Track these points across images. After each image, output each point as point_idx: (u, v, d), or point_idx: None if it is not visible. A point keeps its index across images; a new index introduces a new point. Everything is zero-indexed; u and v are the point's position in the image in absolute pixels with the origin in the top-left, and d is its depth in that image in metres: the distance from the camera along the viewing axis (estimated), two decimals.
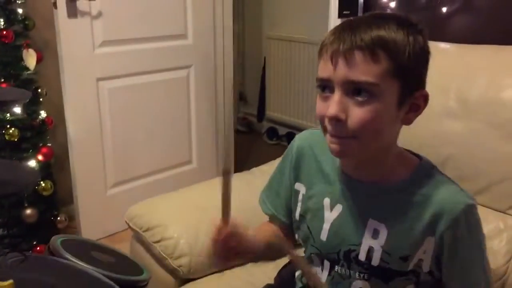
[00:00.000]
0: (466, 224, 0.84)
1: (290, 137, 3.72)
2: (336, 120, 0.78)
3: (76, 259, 0.97)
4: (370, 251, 0.87)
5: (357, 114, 0.78)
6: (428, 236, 0.85)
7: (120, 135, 2.40)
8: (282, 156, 1.07)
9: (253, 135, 3.97)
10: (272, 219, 1.08)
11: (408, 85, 0.80)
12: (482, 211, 1.23)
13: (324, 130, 0.83)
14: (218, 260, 0.89)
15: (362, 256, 0.88)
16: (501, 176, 1.22)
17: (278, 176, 1.06)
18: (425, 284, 0.90)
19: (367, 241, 0.87)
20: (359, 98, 0.77)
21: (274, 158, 1.73)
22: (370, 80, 0.76)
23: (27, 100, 0.88)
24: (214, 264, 0.89)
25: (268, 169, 1.67)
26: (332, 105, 0.78)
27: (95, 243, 1.17)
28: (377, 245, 0.86)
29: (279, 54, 3.68)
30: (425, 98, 0.84)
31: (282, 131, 3.78)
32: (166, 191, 1.58)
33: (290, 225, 1.04)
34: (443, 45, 1.41)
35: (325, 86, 0.81)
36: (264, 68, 3.83)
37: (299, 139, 1.03)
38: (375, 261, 0.87)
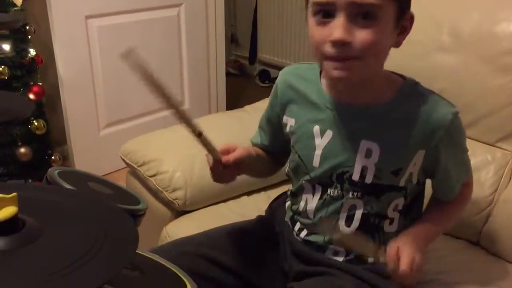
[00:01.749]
0: (455, 130, 0.91)
1: None
2: (342, 43, 0.79)
3: (72, 187, 0.98)
4: (363, 170, 0.91)
5: (362, 36, 0.79)
6: (420, 149, 0.90)
7: (111, 75, 2.37)
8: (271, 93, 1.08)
9: (245, 78, 3.95)
10: (264, 148, 1.12)
11: (402, 5, 0.82)
12: (471, 144, 1.26)
13: (322, 56, 0.83)
14: (219, 182, 0.97)
15: (355, 176, 0.92)
16: (490, 109, 1.24)
17: (268, 112, 1.09)
18: (411, 194, 0.97)
19: (360, 161, 0.91)
20: (364, 21, 0.79)
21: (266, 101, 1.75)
22: (375, 2, 0.78)
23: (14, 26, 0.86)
24: (216, 181, 0.98)
25: (262, 106, 1.67)
26: (338, 29, 0.78)
27: (92, 175, 1.18)
28: (370, 163, 0.90)
29: None
30: (412, 20, 0.87)
31: (274, 73, 3.75)
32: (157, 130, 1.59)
33: (276, 153, 1.10)
34: None
35: (325, 10, 0.80)
36: (255, 9, 3.76)
37: (282, 73, 1.04)
38: (369, 178, 0.91)
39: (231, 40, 4.02)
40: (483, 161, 1.25)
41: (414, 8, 0.88)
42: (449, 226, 1.04)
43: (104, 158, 2.41)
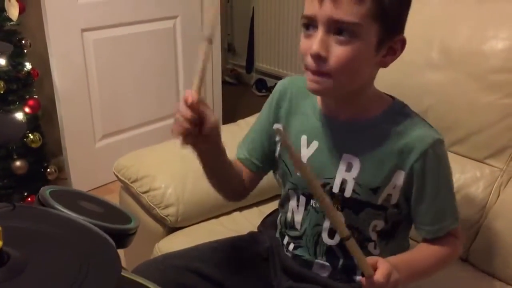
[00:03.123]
0: (434, 156, 0.89)
1: None
2: (318, 57, 0.81)
3: (65, 209, 0.99)
4: (343, 183, 0.92)
5: (337, 52, 0.81)
6: (398, 169, 0.90)
7: (107, 87, 2.39)
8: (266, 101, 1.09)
9: (242, 87, 3.96)
10: (244, 162, 1.07)
11: (388, 28, 0.83)
12: (460, 161, 1.28)
13: (305, 67, 0.85)
14: (178, 129, 0.82)
15: (335, 189, 0.93)
16: (479, 126, 1.25)
17: (258, 122, 1.08)
18: (392, 218, 0.95)
19: (341, 174, 0.92)
20: (341, 37, 0.80)
21: None
22: (354, 20, 0.79)
23: (10, 52, 0.88)
24: (175, 133, 0.83)
25: (254, 120, 1.70)
26: (315, 43, 0.81)
27: (84, 193, 1.19)
28: (350, 177, 0.92)
29: (268, 4, 3.62)
30: (403, 43, 0.87)
31: (271, 82, 3.76)
32: (154, 143, 1.60)
33: (260, 170, 1.06)
34: None
35: (310, 24, 0.83)
36: (252, 18, 3.77)
37: (280, 84, 1.06)
38: (348, 192, 0.92)
39: (228, 49, 4.04)
40: (472, 178, 1.26)
41: None
42: (432, 270, 0.96)
43: (100, 169, 2.42)
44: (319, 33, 0.81)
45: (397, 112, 0.93)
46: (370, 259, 0.81)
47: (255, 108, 1.81)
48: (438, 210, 0.94)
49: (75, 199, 1.16)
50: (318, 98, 0.97)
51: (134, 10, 2.40)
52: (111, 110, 2.44)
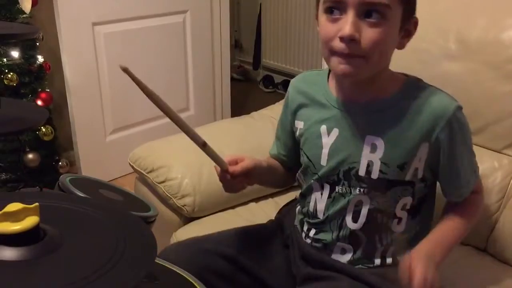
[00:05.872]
0: (458, 123, 0.92)
1: (286, 85, 3.70)
2: (351, 40, 0.82)
3: (86, 196, 0.99)
4: (369, 165, 0.93)
5: (370, 34, 0.83)
6: (423, 142, 0.91)
7: (118, 81, 2.39)
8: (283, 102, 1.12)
9: (249, 83, 3.96)
10: (275, 158, 1.15)
11: (408, 9, 0.86)
12: (478, 151, 1.26)
13: (330, 52, 0.86)
14: (229, 192, 1.01)
15: (362, 172, 0.94)
16: (497, 116, 1.24)
17: (279, 121, 1.13)
18: (419, 193, 0.97)
19: (366, 156, 0.93)
20: (372, 20, 0.82)
21: None
22: (385, 2, 0.81)
23: (35, 36, 0.88)
24: (227, 191, 1.01)
25: (268, 113, 1.70)
26: (347, 25, 0.82)
27: (102, 182, 1.20)
28: (375, 158, 0.92)
29: (275, 0, 3.62)
30: (416, 25, 0.90)
31: (278, 79, 3.77)
32: (165, 137, 1.59)
33: (291, 164, 1.12)
34: None
35: (335, 7, 0.84)
36: (260, 15, 3.77)
37: (292, 81, 1.09)
38: (375, 174, 0.93)
39: (235, 45, 4.04)
40: (490, 168, 1.25)
41: (419, 15, 0.91)
42: (463, 236, 1.00)
43: (111, 163, 2.42)
44: (350, 16, 0.82)
45: (413, 86, 0.94)
46: (405, 264, 0.84)
47: (263, 104, 1.82)
48: (465, 173, 0.97)
49: (95, 187, 1.17)
50: (332, 86, 0.99)
51: (145, 4, 2.40)
52: (121, 104, 2.44)
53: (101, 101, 2.37)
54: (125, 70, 0.73)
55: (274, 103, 1.78)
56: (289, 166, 1.13)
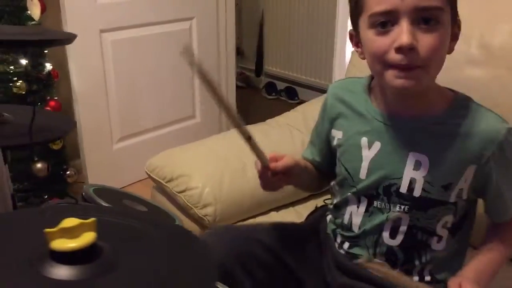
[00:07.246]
0: (509, 146, 0.88)
1: (288, 91, 3.71)
2: (409, 49, 0.78)
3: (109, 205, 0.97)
4: (412, 182, 0.89)
5: (427, 41, 0.79)
6: (471, 164, 0.88)
7: (125, 88, 2.36)
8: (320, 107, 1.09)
9: (252, 90, 3.94)
10: (309, 161, 1.12)
11: (454, 11, 0.83)
12: None
13: (385, 65, 0.82)
14: (267, 190, 0.98)
15: (403, 189, 0.90)
16: None
17: (315, 126, 1.10)
18: (461, 211, 0.94)
19: (408, 173, 0.89)
20: (427, 26, 0.79)
21: (274, 113, 1.75)
22: (438, 5, 0.78)
23: (71, 43, 0.86)
24: (265, 189, 0.98)
25: (284, 120, 1.68)
26: (404, 34, 0.78)
27: (124, 192, 1.17)
28: (419, 176, 0.89)
29: (278, 7, 3.62)
30: (460, 27, 0.87)
31: (281, 85, 3.75)
32: (171, 146, 1.58)
33: (325, 169, 1.09)
34: None
35: (387, 20, 0.80)
36: (262, 21, 3.76)
37: (331, 88, 1.05)
38: (417, 192, 0.89)
39: (237, 52, 4.02)
40: None
41: None
42: (505, 262, 0.98)
43: (118, 172, 2.39)
44: (404, 25, 0.78)
45: (463, 105, 0.91)
46: (453, 285, 0.83)
47: (266, 111, 1.81)
48: (510, 198, 0.94)
49: (118, 198, 1.14)
50: (373, 98, 0.95)
51: (151, 11, 2.38)
52: (128, 112, 2.41)
53: (108, 109, 2.34)
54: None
55: (277, 110, 1.77)
56: (324, 172, 1.10)
